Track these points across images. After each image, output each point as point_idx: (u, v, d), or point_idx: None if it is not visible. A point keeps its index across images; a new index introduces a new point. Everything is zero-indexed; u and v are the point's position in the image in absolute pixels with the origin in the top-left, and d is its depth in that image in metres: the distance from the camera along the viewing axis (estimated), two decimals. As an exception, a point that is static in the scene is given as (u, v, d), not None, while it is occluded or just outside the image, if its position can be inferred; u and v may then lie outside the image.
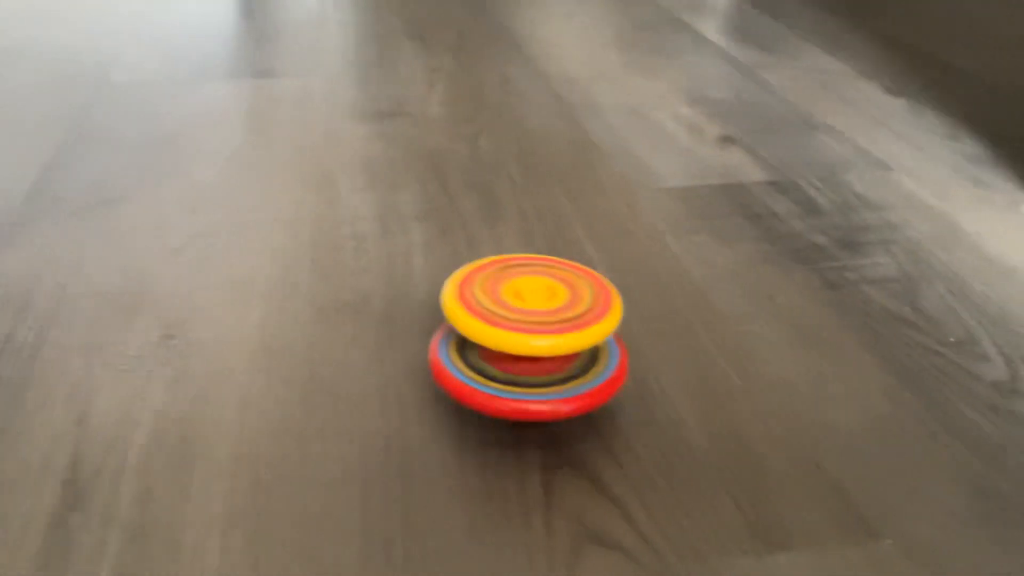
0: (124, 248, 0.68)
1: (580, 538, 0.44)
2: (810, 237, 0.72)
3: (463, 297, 0.51)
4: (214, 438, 0.50)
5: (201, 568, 0.42)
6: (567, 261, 0.56)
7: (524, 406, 0.48)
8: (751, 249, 0.70)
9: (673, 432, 0.51)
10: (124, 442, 0.50)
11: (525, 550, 0.43)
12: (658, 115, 0.96)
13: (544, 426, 0.51)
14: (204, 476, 0.47)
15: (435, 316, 0.61)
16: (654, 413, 0.52)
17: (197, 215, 0.73)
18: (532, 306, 0.51)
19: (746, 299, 0.63)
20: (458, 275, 0.53)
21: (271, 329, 0.59)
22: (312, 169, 0.81)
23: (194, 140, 0.87)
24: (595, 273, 0.54)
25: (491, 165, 0.83)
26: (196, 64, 1.08)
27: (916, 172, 0.84)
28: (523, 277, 0.53)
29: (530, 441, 0.50)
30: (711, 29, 1.27)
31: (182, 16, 1.29)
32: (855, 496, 0.47)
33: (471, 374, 0.51)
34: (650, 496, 0.47)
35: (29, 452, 0.49)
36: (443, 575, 0.42)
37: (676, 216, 0.74)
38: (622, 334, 0.59)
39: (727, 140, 0.90)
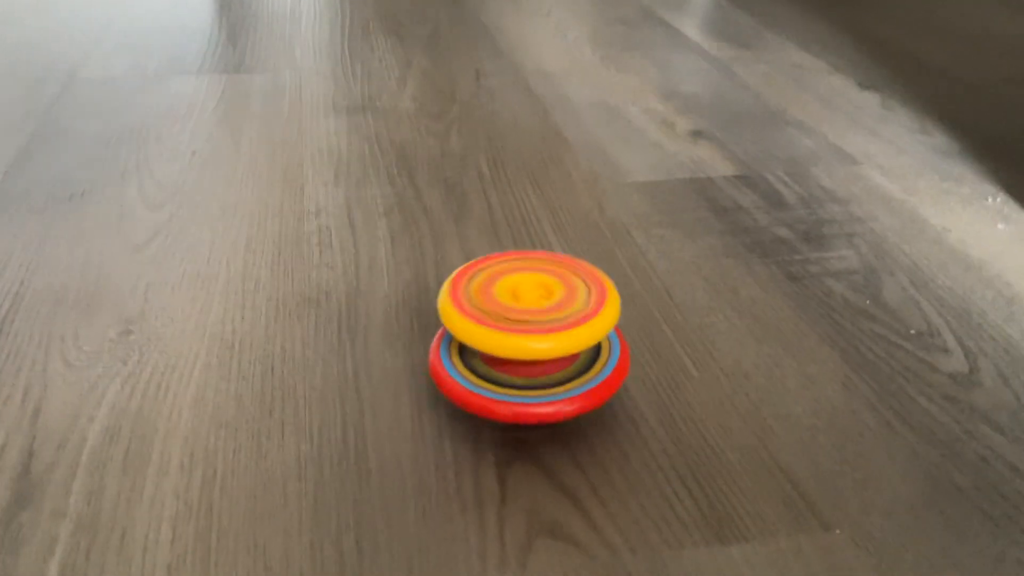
0: (86, 244, 0.68)
1: (534, 531, 0.44)
2: (775, 231, 0.72)
3: (458, 300, 0.50)
4: (168, 433, 0.50)
5: (152, 562, 0.42)
6: (561, 255, 0.54)
7: (527, 409, 0.48)
8: (716, 243, 0.70)
9: (629, 424, 0.51)
10: (78, 437, 0.49)
11: (478, 543, 0.43)
12: (629, 110, 0.96)
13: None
14: (157, 471, 0.47)
15: (397, 311, 0.61)
16: (611, 405, 0.52)
17: (160, 211, 0.73)
18: (528, 305, 0.50)
19: (708, 292, 0.63)
20: (452, 277, 0.52)
21: (230, 324, 0.59)
22: (279, 164, 0.81)
23: (160, 136, 0.87)
24: (590, 266, 0.53)
25: (460, 160, 0.83)
26: (166, 59, 1.08)
27: (884, 166, 0.84)
28: (517, 274, 0.52)
29: (485, 435, 0.50)
30: (687, 25, 1.27)
31: (155, 12, 1.28)
32: (808, 487, 0.47)
33: (473, 378, 0.50)
34: (604, 489, 0.47)
35: (-19, 447, 0.48)
36: (394, 568, 0.42)
37: (643, 210, 0.74)
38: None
39: (697, 135, 0.90)
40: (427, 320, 0.60)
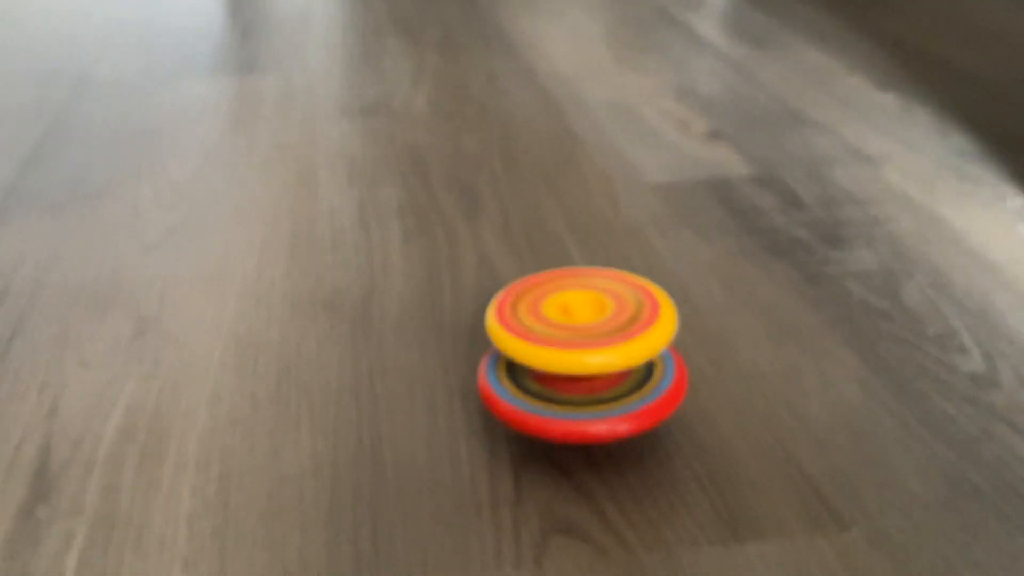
0: (100, 243, 0.68)
1: (549, 529, 0.44)
2: (792, 232, 0.71)
3: (505, 319, 0.48)
4: (184, 431, 0.50)
5: (168, 559, 0.42)
6: (611, 270, 0.52)
7: (581, 428, 0.46)
8: (733, 244, 0.70)
9: (645, 424, 0.51)
10: (94, 434, 0.49)
11: (494, 541, 0.43)
12: (645, 111, 0.95)
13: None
14: (173, 468, 0.47)
15: (411, 312, 0.61)
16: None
17: (174, 211, 0.73)
18: (580, 321, 0.48)
19: (725, 293, 0.63)
20: (499, 296, 0.50)
21: (245, 324, 0.59)
22: (292, 165, 0.81)
23: (173, 136, 0.87)
24: (641, 280, 0.51)
25: (474, 161, 0.83)
26: (179, 61, 1.08)
27: (903, 167, 0.83)
28: (567, 292, 0.50)
29: (500, 434, 0.50)
30: (703, 24, 1.27)
31: (167, 14, 1.29)
32: (825, 487, 0.47)
33: (524, 396, 0.48)
34: (619, 488, 0.46)
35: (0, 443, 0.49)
36: (410, 565, 0.42)
37: (659, 211, 0.74)
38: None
39: (713, 135, 0.89)
40: (441, 319, 0.60)
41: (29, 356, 0.56)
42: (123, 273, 0.64)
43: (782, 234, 0.71)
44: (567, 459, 0.48)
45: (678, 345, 0.58)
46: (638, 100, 0.98)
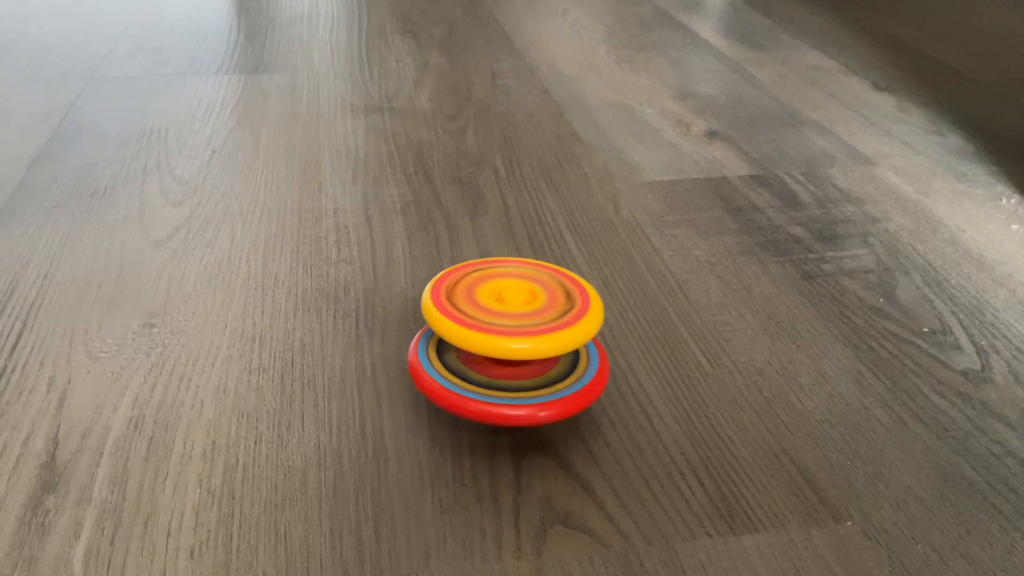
0: (108, 239, 0.69)
1: (548, 520, 0.45)
2: (789, 230, 0.72)
3: (439, 300, 0.50)
4: (191, 423, 0.51)
5: (175, 548, 0.43)
6: (548, 264, 0.55)
7: (501, 411, 0.48)
8: (730, 241, 0.70)
9: (643, 418, 0.52)
10: (102, 427, 0.50)
11: (494, 532, 0.44)
12: (645, 110, 0.96)
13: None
14: (180, 459, 0.48)
15: (414, 306, 0.61)
16: (625, 399, 0.53)
17: (181, 207, 0.74)
18: (511, 309, 0.50)
19: (722, 290, 0.64)
20: (437, 278, 0.53)
21: (251, 319, 0.60)
22: (297, 162, 0.82)
23: (179, 134, 0.88)
24: (574, 275, 0.54)
25: (476, 159, 0.84)
26: (185, 60, 1.09)
27: (899, 166, 0.84)
28: (503, 279, 0.53)
29: (502, 427, 0.51)
30: (703, 25, 1.28)
31: (174, 13, 1.30)
32: (820, 480, 0.47)
33: (450, 377, 0.50)
34: (618, 480, 0.47)
35: (8, 435, 0.49)
36: (412, 555, 0.43)
37: (657, 209, 0.75)
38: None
39: (712, 135, 0.90)
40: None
41: (38, 349, 0.56)
42: (130, 268, 0.65)
43: (779, 232, 0.72)
44: (567, 451, 0.49)
45: (677, 341, 0.58)
46: (638, 100, 0.99)
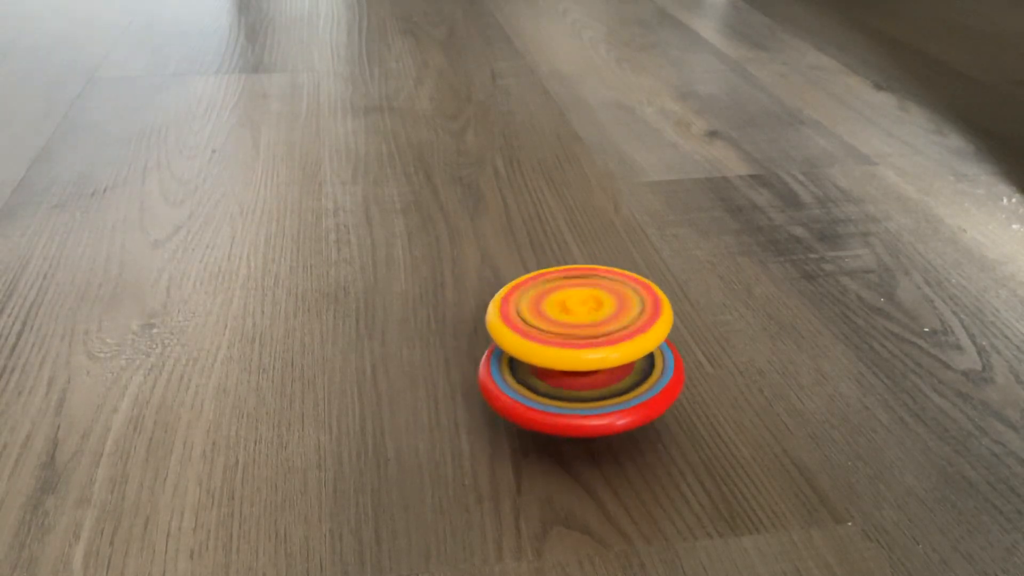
0: (108, 239, 0.69)
1: (549, 521, 0.45)
2: (790, 230, 0.72)
3: (507, 316, 0.49)
4: (191, 423, 0.51)
5: (175, 548, 0.43)
6: (611, 268, 0.54)
7: (580, 422, 0.47)
8: (731, 241, 0.70)
9: (644, 419, 0.51)
10: (102, 427, 0.50)
11: (495, 532, 0.44)
12: (645, 110, 0.96)
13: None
14: (180, 460, 0.48)
15: (414, 306, 0.61)
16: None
17: (180, 207, 0.74)
18: (579, 319, 0.49)
19: (723, 290, 0.64)
20: (501, 293, 0.51)
21: (251, 319, 0.60)
22: (297, 162, 0.82)
23: (179, 134, 0.88)
24: (641, 279, 0.52)
25: (476, 159, 0.84)
26: (185, 60, 1.09)
27: (900, 166, 0.84)
28: (567, 290, 0.51)
29: (501, 427, 0.51)
30: (703, 25, 1.28)
31: (174, 13, 1.30)
32: (821, 481, 0.47)
33: (526, 392, 0.49)
34: (619, 481, 0.47)
35: (8, 436, 0.49)
36: (412, 555, 0.43)
37: (658, 209, 0.75)
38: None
39: (712, 135, 0.90)
40: (443, 314, 0.60)
41: (38, 350, 0.56)
42: (130, 268, 0.65)
43: (780, 232, 0.72)
44: (567, 452, 0.49)
45: (676, 341, 0.58)
46: (638, 100, 0.99)
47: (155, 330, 0.58)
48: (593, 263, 0.67)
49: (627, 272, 0.53)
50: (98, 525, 0.44)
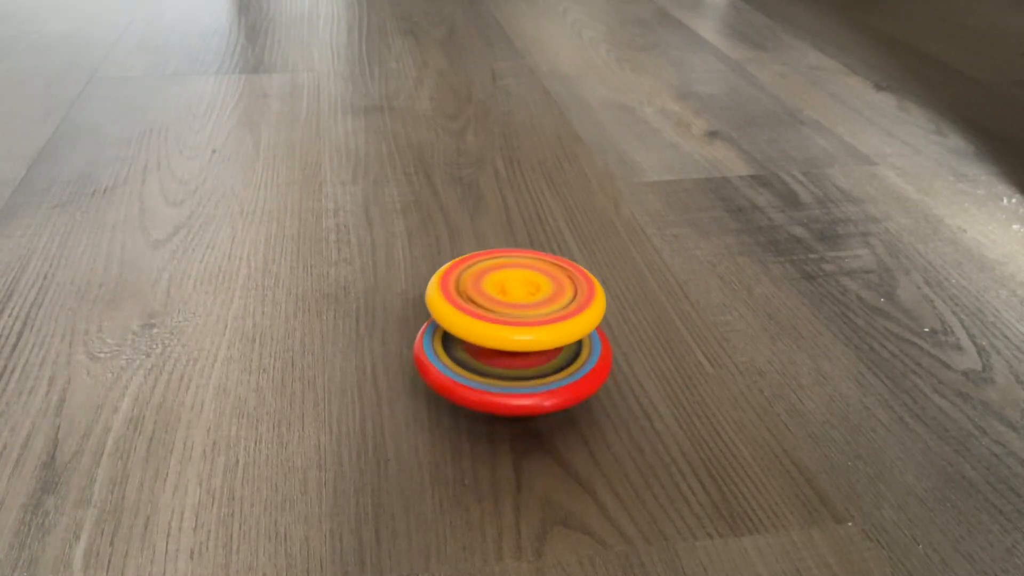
0: (108, 239, 0.69)
1: (549, 521, 0.45)
2: (790, 230, 0.72)
3: (447, 291, 0.51)
4: (191, 423, 0.51)
5: (175, 548, 0.43)
6: (550, 255, 0.55)
7: (506, 400, 0.49)
8: (731, 241, 0.70)
9: (643, 419, 0.52)
10: (102, 427, 0.50)
11: (495, 532, 0.44)
12: (645, 110, 0.96)
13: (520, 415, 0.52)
14: (180, 460, 0.48)
15: (414, 306, 0.61)
16: (625, 399, 0.53)
17: (181, 207, 0.74)
18: (515, 299, 0.51)
19: (723, 290, 0.64)
20: (442, 270, 0.53)
21: (251, 319, 0.60)
22: (298, 162, 0.82)
23: (179, 134, 0.88)
24: (578, 266, 0.54)
25: (476, 159, 0.84)
26: (185, 60, 1.09)
27: (900, 166, 0.84)
28: (506, 271, 0.53)
29: (502, 426, 0.51)
30: (703, 25, 1.28)
31: (174, 14, 1.30)
32: (821, 481, 0.47)
33: (455, 368, 0.51)
34: (619, 481, 0.47)
35: (8, 436, 0.49)
36: (412, 555, 0.43)
37: (658, 209, 0.75)
38: (600, 326, 0.60)
39: (712, 135, 0.90)
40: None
41: (38, 350, 0.56)
42: (130, 269, 0.65)
43: (780, 232, 0.72)
44: (567, 452, 0.49)
45: (677, 341, 0.58)
46: (638, 100, 0.99)
47: (155, 330, 0.58)
48: (593, 262, 0.67)
49: (570, 261, 0.55)
50: (98, 525, 0.44)
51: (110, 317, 0.60)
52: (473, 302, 0.50)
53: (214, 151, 0.84)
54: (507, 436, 0.50)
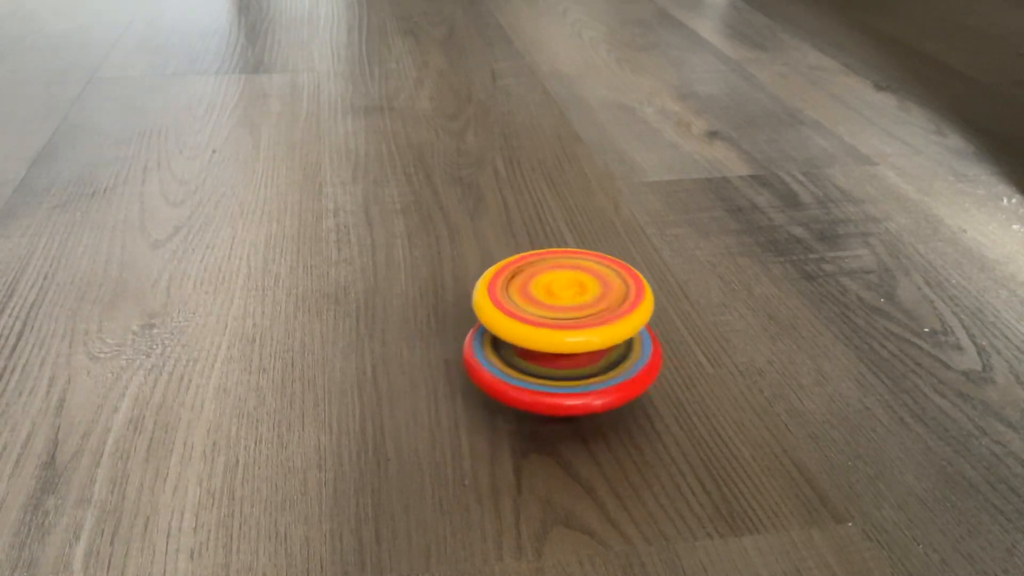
0: (108, 239, 0.69)
1: (549, 521, 0.45)
2: (790, 230, 0.72)
3: (494, 297, 0.51)
4: (191, 423, 0.51)
5: (175, 548, 0.43)
6: (594, 253, 0.55)
7: (559, 401, 0.48)
8: (731, 242, 0.70)
9: (643, 419, 0.52)
10: (102, 427, 0.50)
11: (495, 532, 0.44)
12: (645, 110, 0.96)
13: (518, 412, 0.52)
14: (180, 460, 0.48)
15: (414, 306, 0.61)
16: (630, 403, 0.53)
17: (181, 207, 0.74)
18: (563, 302, 0.51)
19: (723, 290, 0.64)
20: (487, 275, 0.53)
21: (251, 319, 0.60)
22: (298, 163, 0.82)
23: (179, 134, 0.88)
24: (622, 263, 0.54)
25: (476, 159, 0.84)
26: (185, 60, 1.09)
27: (900, 166, 0.84)
28: (552, 272, 0.53)
29: (501, 427, 0.51)
30: (703, 26, 1.28)
31: (174, 14, 1.30)
32: (821, 481, 0.47)
33: (506, 369, 0.51)
34: (619, 481, 0.47)
35: (9, 436, 0.49)
36: (412, 555, 0.43)
37: (658, 209, 0.75)
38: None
39: (712, 135, 0.90)
40: (443, 314, 0.60)
41: (38, 350, 0.56)
42: (130, 269, 0.65)
43: (780, 232, 0.72)
44: (567, 452, 0.49)
45: (677, 341, 0.58)
46: (638, 100, 0.99)
47: (155, 330, 0.58)
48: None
49: (612, 257, 0.55)
50: (98, 525, 0.44)
51: (110, 317, 0.60)
52: (522, 307, 0.50)
53: (214, 151, 0.84)
54: (507, 436, 0.50)
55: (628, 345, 0.53)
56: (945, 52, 1.18)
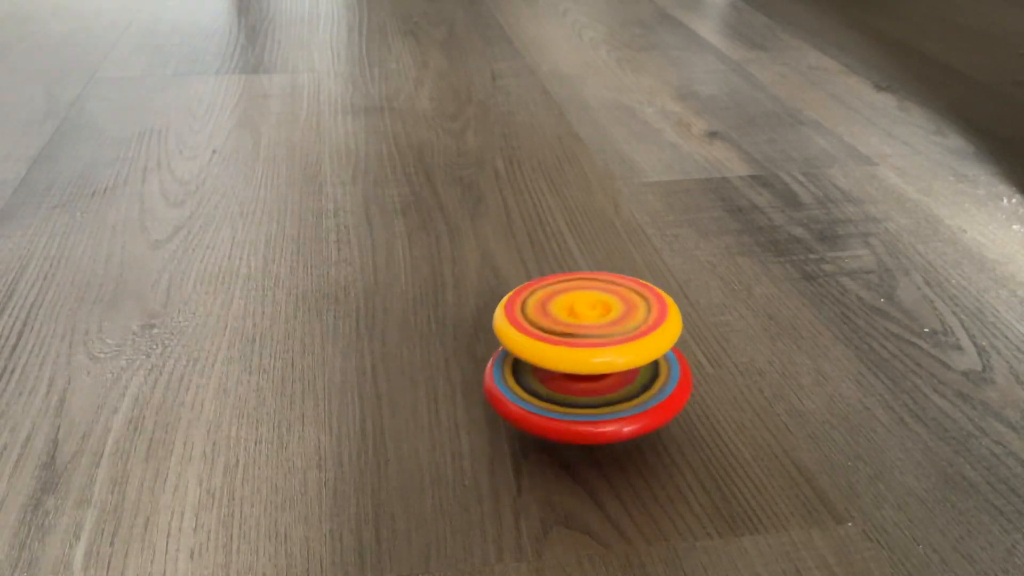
0: (108, 239, 0.69)
1: (549, 521, 0.45)
2: (790, 230, 0.72)
3: (513, 318, 0.48)
4: (191, 424, 0.51)
5: (175, 548, 0.43)
6: (614, 274, 0.53)
7: (588, 428, 0.46)
8: (731, 242, 0.70)
9: (644, 419, 0.51)
10: (102, 427, 0.50)
11: (495, 533, 0.44)
12: (645, 111, 0.96)
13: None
14: (180, 460, 0.48)
15: (414, 306, 0.61)
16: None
17: (181, 207, 0.74)
18: (587, 321, 0.48)
19: (723, 291, 0.64)
20: (505, 298, 0.51)
21: (251, 319, 0.60)
22: (298, 163, 0.82)
23: (179, 134, 0.88)
24: (645, 283, 0.52)
25: (476, 159, 0.84)
26: (185, 60, 1.09)
27: (900, 166, 0.84)
28: (572, 293, 0.51)
29: (501, 427, 0.51)
30: (703, 26, 1.28)
31: (174, 14, 1.30)
32: (821, 481, 0.47)
33: (529, 398, 0.48)
34: (619, 481, 0.47)
35: (8, 436, 0.49)
36: (412, 556, 0.43)
37: (658, 210, 0.75)
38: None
39: (712, 135, 0.90)
40: (443, 314, 0.60)
41: (38, 350, 0.56)
42: (130, 269, 0.65)
43: (780, 233, 0.72)
44: (567, 453, 0.49)
45: (677, 342, 0.58)
46: (638, 100, 0.99)
47: (155, 330, 0.58)
48: (593, 263, 0.67)
49: (636, 279, 0.52)
50: (98, 525, 0.44)
51: (110, 317, 0.60)
52: (543, 328, 0.47)
53: (214, 151, 0.84)
54: (506, 437, 0.50)
55: (654, 368, 0.51)
56: (945, 52, 1.18)
